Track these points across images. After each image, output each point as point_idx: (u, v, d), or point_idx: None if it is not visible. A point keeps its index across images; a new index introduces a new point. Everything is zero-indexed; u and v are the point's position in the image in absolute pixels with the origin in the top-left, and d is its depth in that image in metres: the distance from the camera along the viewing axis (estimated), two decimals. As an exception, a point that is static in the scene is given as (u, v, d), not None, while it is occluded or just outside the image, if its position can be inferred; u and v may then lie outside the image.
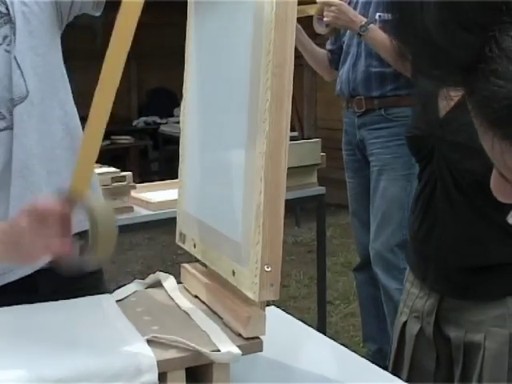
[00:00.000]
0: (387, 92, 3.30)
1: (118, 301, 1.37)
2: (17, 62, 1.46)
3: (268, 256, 1.10)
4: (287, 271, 5.25)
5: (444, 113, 1.66)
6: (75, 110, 1.61)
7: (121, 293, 1.42)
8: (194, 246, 1.39)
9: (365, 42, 3.20)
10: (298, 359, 1.38)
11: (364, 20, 3.15)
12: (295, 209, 6.82)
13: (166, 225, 6.03)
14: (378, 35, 3.09)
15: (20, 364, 1.07)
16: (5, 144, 1.46)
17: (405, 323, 1.85)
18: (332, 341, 1.50)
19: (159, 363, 1.08)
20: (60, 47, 1.59)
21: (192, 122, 1.45)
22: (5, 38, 1.46)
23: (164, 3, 9.32)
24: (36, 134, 1.49)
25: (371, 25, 3.13)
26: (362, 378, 1.30)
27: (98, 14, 1.63)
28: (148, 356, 1.09)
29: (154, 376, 1.08)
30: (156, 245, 6.40)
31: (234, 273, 1.19)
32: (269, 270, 1.10)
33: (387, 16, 3.03)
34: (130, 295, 1.42)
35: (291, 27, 1.09)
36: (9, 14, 1.47)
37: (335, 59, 3.58)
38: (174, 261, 5.45)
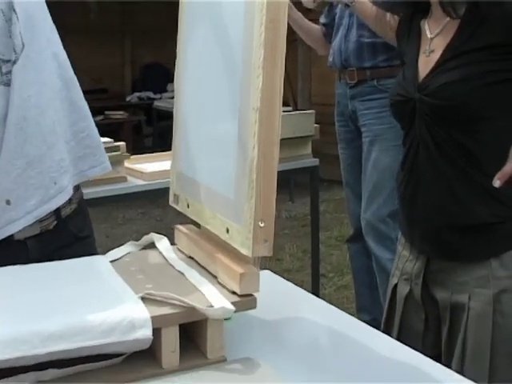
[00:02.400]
0: (379, 63, 3.29)
1: (111, 261, 1.37)
2: (16, 15, 1.44)
3: (262, 211, 1.10)
4: (281, 245, 5.27)
5: (422, 78, 1.69)
6: (68, 62, 1.60)
7: (114, 254, 1.42)
8: (188, 206, 1.39)
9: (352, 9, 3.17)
10: (291, 320, 1.38)
11: None
12: (289, 184, 6.83)
13: (159, 198, 6.05)
14: (367, 6, 3.07)
15: (12, 320, 1.07)
16: (0, 100, 1.44)
17: (396, 285, 1.87)
18: (326, 303, 1.50)
19: (153, 319, 1.08)
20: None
21: (185, 83, 1.45)
22: None
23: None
24: (34, 86, 1.48)
25: None
26: (356, 337, 1.30)
27: None
28: (142, 312, 1.09)
29: (148, 332, 1.07)
30: (150, 219, 6.41)
31: (227, 230, 1.19)
32: (262, 225, 1.10)
33: None
34: (123, 256, 1.41)
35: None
36: None
37: (329, 33, 3.57)
38: (167, 234, 5.46)
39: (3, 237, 1.46)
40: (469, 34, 1.62)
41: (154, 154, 3.72)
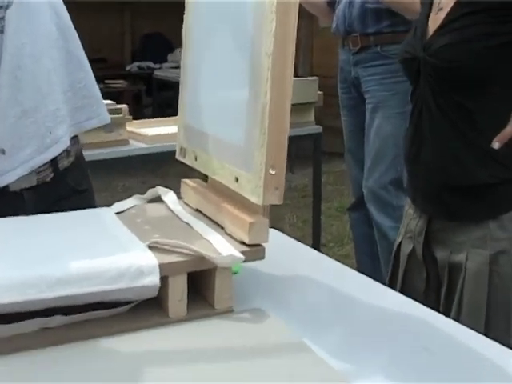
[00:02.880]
0: (383, 28, 3.26)
1: (116, 213, 1.35)
2: None
3: (273, 158, 1.08)
4: (281, 215, 5.26)
5: (429, 36, 1.67)
6: (66, 12, 1.57)
7: (119, 206, 1.40)
8: (196, 159, 1.37)
9: None
10: (297, 275, 1.37)
11: None
12: (289, 154, 6.80)
13: (160, 166, 6.01)
14: None
15: (19, 265, 1.05)
16: None
17: (400, 244, 1.87)
18: (330, 259, 1.49)
19: (161, 266, 1.07)
20: None
21: (193, 37, 1.42)
22: None
23: None
24: (28, 34, 1.45)
25: None
26: (362, 293, 1.29)
27: None
28: (150, 259, 1.07)
29: (156, 278, 1.06)
30: (150, 188, 6.38)
31: (236, 179, 1.17)
32: (273, 172, 1.08)
33: None
34: (129, 208, 1.40)
35: None
36: None
37: (334, 0, 3.53)
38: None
39: None
40: None
41: (155, 119, 3.69)
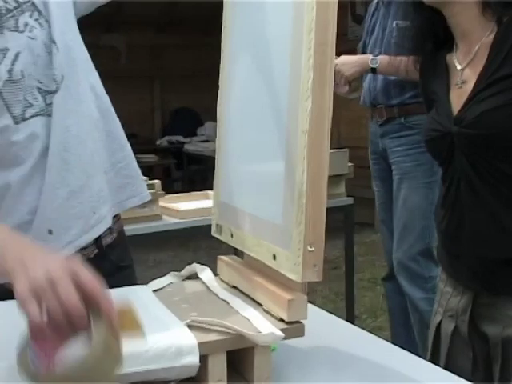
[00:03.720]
0: (406, 100, 3.30)
1: (154, 291, 1.35)
2: (56, 46, 1.46)
3: (311, 236, 1.08)
4: (313, 287, 5.22)
5: (457, 111, 1.67)
6: (105, 93, 1.61)
7: (156, 284, 1.40)
8: (232, 236, 1.37)
9: (379, 73, 3.25)
10: (333, 350, 1.36)
11: (369, 56, 3.23)
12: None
13: (191, 241, 6.01)
14: (390, 59, 3.11)
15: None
16: (43, 130, 1.46)
17: (439, 323, 1.83)
18: (365, 332, 1.47)
19: (200, 345, 1.06)
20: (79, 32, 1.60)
21: (227, 114, 1.44)
22: (25, 25, 1.46)
23: (188, 24, 9.43)
24: (73, 116, 1.49)
25: (378, 56, 3.20)
26: (400, 367, 1.27)
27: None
28: (189, 338, 1.07)
29: (196, 359, 1.05)
30: (181, 262, 6.38)
31: (274, 257, 1.17)
32: (312, 249, 1.08)
33: (404, 23, 3.05)
34: (165, 286, 1.40)
35: (333, 4, 1.08)
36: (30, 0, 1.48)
37: None
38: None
39: None
40: (500, 61, 1.61)
41: (186, 194, 3.72)
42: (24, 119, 1.44)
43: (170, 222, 3.17)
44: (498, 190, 1.62)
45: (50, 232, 1.46)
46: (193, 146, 9.39)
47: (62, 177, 1.46)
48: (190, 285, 1.41)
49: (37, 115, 1.45)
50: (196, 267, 1.46)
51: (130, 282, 1.53)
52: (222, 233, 1.43)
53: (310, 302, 1.44)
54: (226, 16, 1.46)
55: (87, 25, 1.67)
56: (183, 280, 1.46)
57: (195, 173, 9.42)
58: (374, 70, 3.21)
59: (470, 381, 1.66)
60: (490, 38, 1.64)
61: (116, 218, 1.63)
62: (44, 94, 1.46)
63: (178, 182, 9.89)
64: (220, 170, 1.46)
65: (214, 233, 1.47)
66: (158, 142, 9.96)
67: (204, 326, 1.13)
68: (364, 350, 1.35)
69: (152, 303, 1.26)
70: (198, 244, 6.48)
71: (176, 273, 1.47)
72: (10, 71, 1.42)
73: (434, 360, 1.84)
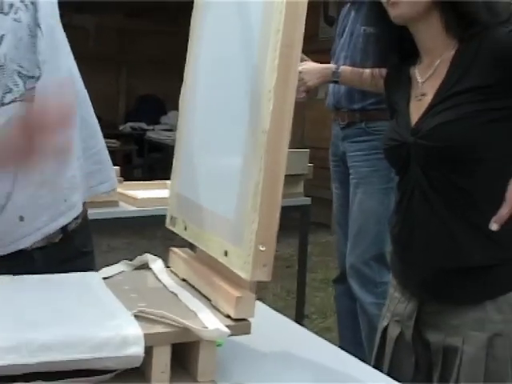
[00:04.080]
0: (368, 105, 3.32)
1: (104, 278, 1.35)
2: (41, 30, 1.42)
3: (263, 235, 1.09)
4: (264, 284, 5.23)
5: (415, 122, 1.70)
6: (80, 76, 1.58)
7: (107, 271, 1.40)
8: (185, 229, 1.38)
9: (342, 84, 3.27)
10: (279, 350, 1.37)
11: (332, 67, 3.23)
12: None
13: (146, 229, 5.99)
14: (352, 71, 3.14)
15: (1, 329, 1.05)
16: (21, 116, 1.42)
17: (386, 327, 1.86)
18: (312, 334, 1.49)
19: (145, 337, 1.06)
20: None
21: (189, 106, 1.44)
22: (10, 6, 1.39)
23: (157, 11, 9.37)
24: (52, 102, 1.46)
25: (341, 67, 3.21)
26: (345, 371, 1.29)
27: None
28: (134, 328, 1.07)
29: (140, 349, 1.05)
30: (135, 250, 6.36)
31: (226, 253, 1.18)
32: (263, 249, 1.09)
33: (371, 30, 3.07)
34: (116, 274, 1.40)
35: (302, 7, 1.09)
36: None
37: None
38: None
39: (13, 251, 1.45)
40: (457, 76, 1.65)
41: (146, 182, 3.71)
42: (3, 104, 1.40)
43: (126, 209, 3.16)
44: (450, 201, 1.66)
45: (22, 219, 1.44)
46: (155, 133, 9.36)
47: (36, 164, 1.45)
48: (141, 275, 1.41)
49: (16, 101, 1.41)
50: (148, 257, 1.47)
51: (90, 267, 1.51)
52: (176, 225, 1.43)
53: (260, 298, 1.45)
54: (197, 9, 1.46)
55: (60, 3, 1.62)
56: (134, 269, 1.46)
57: (156, 161, 9.38)
58: (336, 82, 3.23)
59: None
60: (450, 54, 1.69)
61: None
62: (25, 79, 1.41)
63: (139, 169, 9.85)
64: (178, 161, 1.46)
65: (168, 224, 1.47)
66: (121, 128, 9.91)
67: (151, 317, 1.13)
68: (309, 352, 1.36)
69: (100, 291, 1.26)
70: (153, 233, 6.46)
71: (128, 261, 1.47)
72: None
73: (379, 362, 1.87)
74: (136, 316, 1.12)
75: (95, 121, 1.63)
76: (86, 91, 1.61)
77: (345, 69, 3.20)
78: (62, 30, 1.54)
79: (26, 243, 1.47)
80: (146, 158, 9.60)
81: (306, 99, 3.30)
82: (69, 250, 1.57)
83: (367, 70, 2.89)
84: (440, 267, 1.69)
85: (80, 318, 1.11)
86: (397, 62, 1.88)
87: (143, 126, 9.85)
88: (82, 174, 1.57)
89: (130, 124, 9.99)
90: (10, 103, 1.40)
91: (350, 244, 3.41)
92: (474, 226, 1.65)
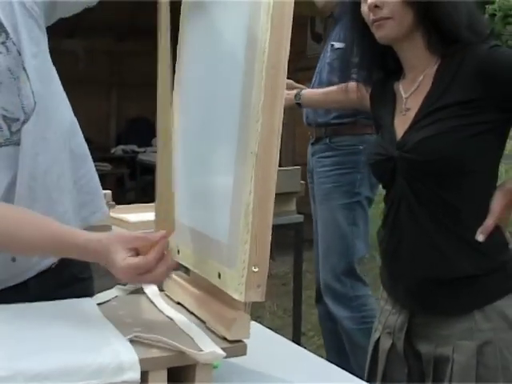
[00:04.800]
0: (331, 120, 3.28)
1: (98, 304, 1.35)
2: (26, 73, 1.40)
3: (256, 256, 1.09)
4: (261, 303, 5.20)
5: (400, 137, 1.72)
6: (69, 105, 1.57)
7: (102, 297, 1.41)
8: (178, 252, 1.38)
9: (304, 106, 3.21)
10: (276, 371, 1.36)
11: (293, 92, 3.15)
12: (270, 241, 6.77)
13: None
14: (313, 93, 3.14)
15: (-1, 358, 1.05)
16: (8, 161, 1.41)
17: (378, 340, 1.87)
18: (309, 352, 1.49)
19: (141, 361, 1.06)
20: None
21: (178, 128, 1.45)
22: None
23: (149, 32, 9.37)
24: (42, 143, 1.44)
25: (302, 91, 3.14)
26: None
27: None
28: (130, 354, 1.07)
29: (137, 374, 1.05)
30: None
31: (219, 275, 1.18)
32: (256, 270, 1.09)
33: (340, 45, 3.07)
34: (111, 299, 1.40)
35: (287, 28, 1.10)
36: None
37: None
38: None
39: (4, 287, 1.45)
40: (441, 91, 1.67)
41: (138, 205, 3.69)
42: None
43: (119, 233, 3.15)
44: (436, 214, 1.68)
45: (13, 260, 1.44)
46: (147, 156, 9.33)
47: (28, 206, 1.41)
48: (136, 299, 1.41)
49: (1, 146, 1.39)
50: (142, 282, 1.46)
51: (87, 293, 1.50)
52: (168, 249, 1.43)
53: (258, 317, 1.45)
54: (183, 30, 1.47)
55: (50, 30, 1.60)
56: (129, 294, 1.46)
57: (149, 183, 9.36)
58: (299, 105, 3.15)
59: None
60: (433, 70, 1.71)
61: None
62: (9, 122, 1.39)
63: (131, 191, 9.82)
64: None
65: (160, 249, 1.47)
66: (113, 151, 9.90)
67: (146, 341, 1.13)
68: (306, 370, 1.36)
69: (95, 316, 1.26)
70: (147, 255, 6.43)
71: (122, 286, 1.47)
72: None
73: (372, 374, 1.88)
74: (132, 341, 1.12)
75: (84, 148, 1.61)
76: (75, 119, 1.59)
77: (306, 91, 3.15)
78: (51, 62, 1.52)
79: (17, 280, 1.47)
80: (138, 180, 9.57)
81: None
82: (65, 276, 1.56)
83: (333, 88, 2.91)
84: (427, 278, 1.71)
85: (75, 344, 1.11)
86: (382, 78, 1.90)
87: (135, 148, 9.84)
88: (74, 206, 1.56)
89: (121, 147, 9.97)
90: None
91: (320, 261, 3.39)
92: (459, 237, 1.67)
